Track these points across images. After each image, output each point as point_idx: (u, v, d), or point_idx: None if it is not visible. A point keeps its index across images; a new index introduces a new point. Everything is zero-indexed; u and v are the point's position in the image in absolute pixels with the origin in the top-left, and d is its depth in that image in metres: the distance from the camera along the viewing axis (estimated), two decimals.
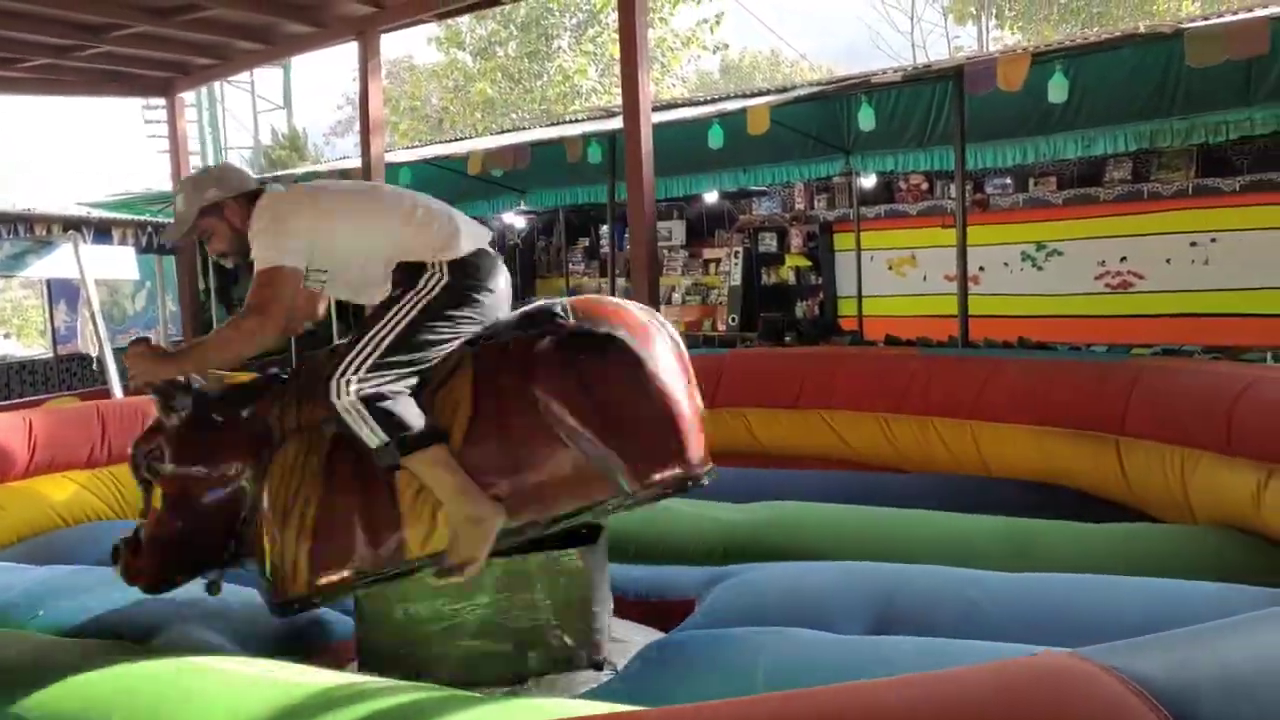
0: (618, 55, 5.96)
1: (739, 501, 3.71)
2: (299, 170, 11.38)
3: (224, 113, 22.13)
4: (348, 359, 2.47)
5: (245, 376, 2.78)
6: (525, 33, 21.41)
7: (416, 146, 13.25)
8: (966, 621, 2.41)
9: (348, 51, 7.08)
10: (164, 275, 10.75)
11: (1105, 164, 8.07)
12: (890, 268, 9.61)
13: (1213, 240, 7.71)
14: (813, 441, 4.83)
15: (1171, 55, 6.32)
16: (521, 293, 9.75)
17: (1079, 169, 8.30)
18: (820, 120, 8.37)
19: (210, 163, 21.05)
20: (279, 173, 12.34)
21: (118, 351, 9.50)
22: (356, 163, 8.49)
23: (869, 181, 9.21)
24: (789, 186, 9.90)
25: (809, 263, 10.21)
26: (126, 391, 7.09)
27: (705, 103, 8.98)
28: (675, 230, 11.23)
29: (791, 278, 10.36)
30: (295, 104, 22.77)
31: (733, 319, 10.27)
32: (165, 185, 9.72)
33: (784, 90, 8.28)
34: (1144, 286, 8.15)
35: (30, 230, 7.84)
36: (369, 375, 2.45)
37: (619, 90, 5.96)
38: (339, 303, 2.99)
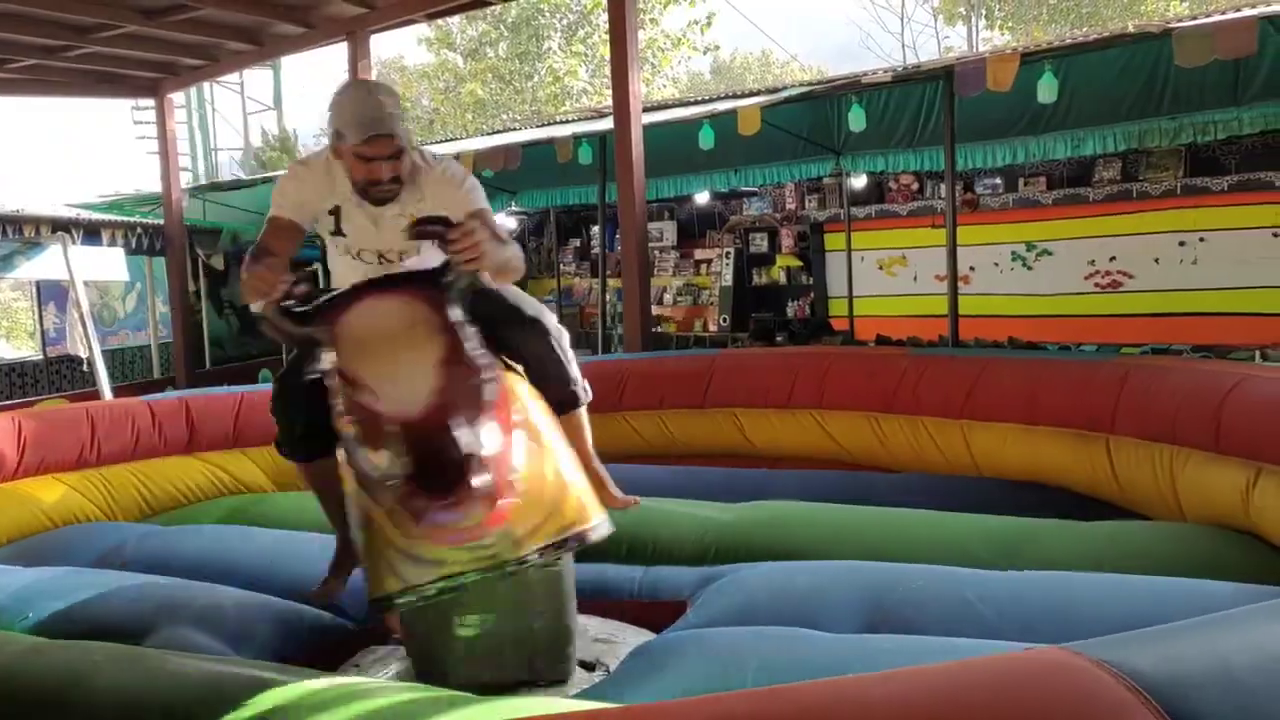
0: (608, 56, 5.96)
1: (731, 501, 3.71)
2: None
3: (214, 114, 22.03)
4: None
5: None
6: (516, 33, 21.40)
7: None
8: (958, 620, 2.42)
9: (338, 52, 7.07)
10: (154, 277, 10.72)
11: (1094, 164, 8.11)
12: (881, 268, 9.63)
13: (1201, 240, 7.75)
14: (804, 441, 4.83)
15: (1160, 55, 6.36)
16: None
17: (1068, 169, 8.34)
18: (811, 121, 8.39)
19: (200, 166, 21.01)
20: (270, 173, 12.31)
21: (107, 354, 9.48)
22: None
23: (859, 182, 9.24)
24: (780, 187, 9.92)
25: (800, 263, 10.22)
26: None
27: (696, 103, 8.98)
28: (666, 231, 11.24)
29: (782, 278, 10.38)
30: (286, 105, 22.67)
31: (724, 319, 10.28)
32: (154, 186, 9.68)
33: (775, 91, 8.29)
34: (1133, 286, 8.19)
35: (19, 232, 7.81)
36: None
37: (610, 91, 5.96)
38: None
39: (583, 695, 2.36)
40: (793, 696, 1.16)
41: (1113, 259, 8.26)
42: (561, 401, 2.71)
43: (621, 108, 5.55)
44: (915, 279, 9.38)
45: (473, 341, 2.24)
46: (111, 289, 11.78)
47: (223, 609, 2.84)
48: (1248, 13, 5.09)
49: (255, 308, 2.28)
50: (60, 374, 10.42)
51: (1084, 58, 6.64)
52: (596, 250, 10.79)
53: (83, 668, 1.86)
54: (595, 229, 10.73)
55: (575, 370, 2.79)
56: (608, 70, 5.95)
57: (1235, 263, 7.53)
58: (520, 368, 2.71)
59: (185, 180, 14.17)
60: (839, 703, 1.11)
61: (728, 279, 10.36)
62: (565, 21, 21.59)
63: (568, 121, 10.59)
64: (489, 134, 11.76)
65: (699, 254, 11.10)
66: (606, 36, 6.13)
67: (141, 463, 4.70)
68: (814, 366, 4.95)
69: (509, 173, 8.14)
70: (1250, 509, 3.02)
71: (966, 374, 4.42)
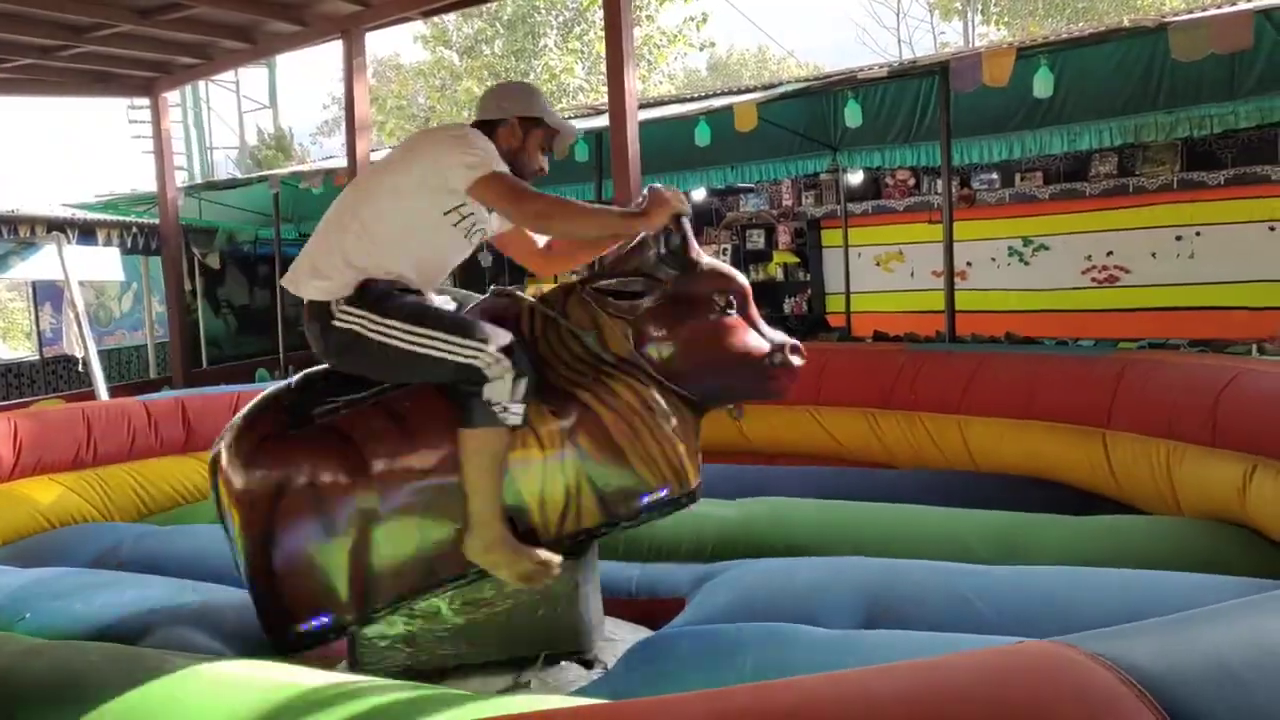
0: (604, 53, 5.95)
1: (728, 498, 3.71)
2: (284, 170, 11.33)
3: (209, 113, 22.02)
4: None
5: None
6: (512, 31, 21.36)
7: None
8: (956, 615, 2.42)
9: (333, 50, 7.05)
10: (150, 276, 10.71)
11: (1091, 158, 8.11)
12: (878, 264, 9.62)
13: (1198, 234, 7.76)
14: (801, 438, 4.83)
15: (1156, 49, 6.36)
16: None
17: (1065, 164, 8.33)
18: (807, 117, 8.38)
19: (196, 164, 20.99)
20: (265, 172, 12.30)
21: (104, 353, 9.47)
22: (343, 162, 8.45)
23: (856, 178, 9.23)
24: (776, 183, 9.91)
25: (797, 259, 10.21)
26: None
27: (692, 100, 8.98)
28: None
29: (779, 274, 10.37)
30: (281, 104, 22.68)
31: None
32: (150, 186, 9.66)
33: (771, 87, 8.29)
34: (1130, 280, 8.19)
35: (14, 232, 7.80)
36: None
37: (606, 88, 5.95)
38: None
39: (581, 692, 2.36)
40: (790, 690, 1.16)
41: (1109, 254, 8.27)
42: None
43: (617, 105, 5.55)
44: (912, 275, 9.38)
45: None
46: (108, 289, 11.77)
47: (220, 608, 2.84)
48: (1243, 6, 5.10)
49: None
50: (57, 374, 10.41)
51: (1080, 52, 6.64)
52: None
53: (80, 668, 1.86)
54: None
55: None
56: (604, 67, 5.94)
57: (1232, 257, 7.54)
58: None
59: (181, 179, 14.15)
60: (834, 696, 1.11)
61: None
62: (561, 19, 21.56)
63: (565, 119, 10.57)
64: None
65: None
66: (602, 34, 6.12)
67: (138, 463, 4.70)
68: (811, 363, 4.93)
69: None
70: (1247, 503, 3.03)
71: (963, 370, 4.43)
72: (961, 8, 22.25)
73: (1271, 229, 7.39)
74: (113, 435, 4.65)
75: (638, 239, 2.56)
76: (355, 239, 2.51)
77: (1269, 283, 7.37)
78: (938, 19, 24.06)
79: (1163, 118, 6.90)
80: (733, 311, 2.55)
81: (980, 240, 8.77)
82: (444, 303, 2.67)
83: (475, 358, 2.34)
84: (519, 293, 2.70)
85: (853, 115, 6.93)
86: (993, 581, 2.59)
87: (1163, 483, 3.49)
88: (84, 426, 4.60)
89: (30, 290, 11.52)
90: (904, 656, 1.99)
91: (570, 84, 20.92)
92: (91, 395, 7.29)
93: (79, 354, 7.98)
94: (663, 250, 2.51)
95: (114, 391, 7.86)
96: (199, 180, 17.96)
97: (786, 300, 10.33)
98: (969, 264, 8.83)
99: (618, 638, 2.79)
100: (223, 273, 11.19)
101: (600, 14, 8.45)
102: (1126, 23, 6.01)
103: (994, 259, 8.90)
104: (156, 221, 9.20)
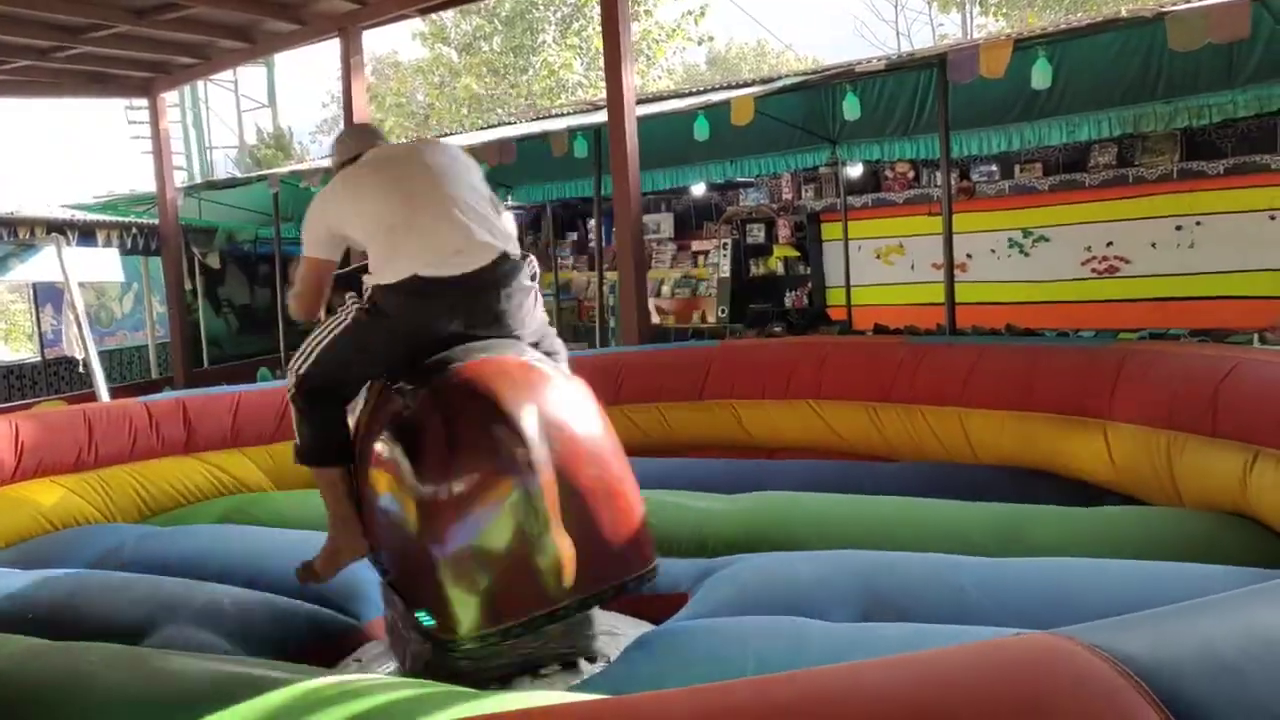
0: (603, 48, 5.95)
1: (729, 492, 3.72)
2: (283, 169, 11.32)
3: (208, 112, 22.02)
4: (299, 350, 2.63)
5: None
6: (510, 27, 21.34)
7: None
8: (956, 608, 2.42)
9: (332, 49, 7.05)
10: (150, 277, 10.72)
11: (1090, 149, 8.09)
12: (878, 257, 9.61)
13: (1198, 224, 7.74)
14: (802, 431, 4.83)
15: (1154, 39, 6.35)
16: None
17: (1064, 155, 8.32)
18: (806, 110, 8.37)
19: (195, 164, 20.98)
20: (264, 171, 12.29)
21: (105, 354, 9.48)
22: None
23: (855, 171, 9.22)
24: (776, 177, 9.90)
25: (797, 253, 10.21)
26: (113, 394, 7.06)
27: (690, 95, 8.96)
28: (663, 223, 11.22)
29: (780, 268, 10.36)
30: (280, 102, 22.68)
31: (723, 311, 10.27)
32: (149, 186, 9.66)
33: (769, 81, 8.28)
34: (1130, 271, 8.18)
35: (14, 234, 7.80)
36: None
37: (604, 83, 5.95)
38: None
39: (582, 687, 2.36)
40: (790, 684, 1.16)
41: (1109, 244, 8.25)
42: None
43: (615, 100, 5.55)
44: (912, 267, 9.37)
45: None
46: (109, 290, 11.78)
47: (222, 607, 2.85)
48: None
49: None
50: (58, 376, 10.42)
51: (1078, 43, 6.63)
52: (594, 243, 10.79)
53: (82, 669, 1.86)
54: (592, 222, 10.72)
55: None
56: (602, 63, 5.94)
57: (1232, 247, 7.52)
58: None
59: (180, 179, 14.15)
60: (834, 689, 1.11)
61: (725, 270, 10.35)
62: (559, 14, 21.53)
63: (563, 115, 10.57)
64: (484, 128, 11.74)
65: (696, 246, 11.07)
66: (601, 29, 6.12)
67: (139, 464, 4.69)
68: (811, 356, 4.94)
69: (505, 167, 8.13)
70: (1248, 493, 3.02)
71: (964, 362, 4.42)
72: (960, 0, 22.20)
73: (1272, 218, 7.37)
74: (114, 436, 4.65)
75: None
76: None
77: (1269, 272, 7.35)
78: (936, 11, 24.00)
79: (1161, 108, 6.89)
80: None
81: (980, 232, 8.76)
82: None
83: None
84: None
85: (851, 108, 6.92)
86: (994, 573, 2.59)
87: (1163, 473, 3.49)
88: (85, 428, 4.60)
89: (31, 292, 11.54)
90: (905, 649, 1.99)
91: (569, 79, 20.91)
92: (93, 396, 7.29)
93: (79, 355, 7.99)
94: None
95: (115, 392, 7.87)
96: (198, 180, 17.96)
97: (787, 294, 10.33)
98: (969, 256, 8.82)
99: (619, 632, 2.80)
100: (223, 272, 11.20)
101: (598, 9, 8.45)
102: (1124, 13, 5.98)
103: (994, 251, 8.88)
104: (156, 222, 9.21)
